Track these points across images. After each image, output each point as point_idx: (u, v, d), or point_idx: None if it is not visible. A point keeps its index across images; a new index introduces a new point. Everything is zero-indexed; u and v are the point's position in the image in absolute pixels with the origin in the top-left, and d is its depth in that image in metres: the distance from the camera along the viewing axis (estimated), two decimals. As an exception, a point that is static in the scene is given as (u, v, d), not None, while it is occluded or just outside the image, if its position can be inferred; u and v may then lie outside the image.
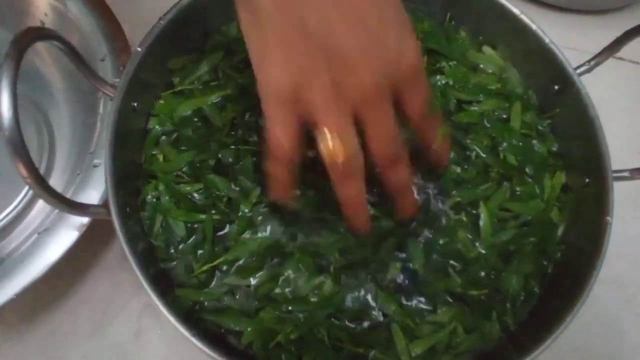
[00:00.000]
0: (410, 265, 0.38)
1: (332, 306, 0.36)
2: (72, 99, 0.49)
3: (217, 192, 0.38)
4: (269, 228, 0.38)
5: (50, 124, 0.49)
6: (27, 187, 0.45)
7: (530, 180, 0.41)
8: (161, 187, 0.39)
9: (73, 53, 0.35)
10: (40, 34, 0.32)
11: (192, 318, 0.36)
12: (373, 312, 0.37)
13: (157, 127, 0.41)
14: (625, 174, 0.37)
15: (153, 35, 0.39)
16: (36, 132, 0.48)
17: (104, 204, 0.35)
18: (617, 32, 0.39)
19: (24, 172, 0.29)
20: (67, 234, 0.38)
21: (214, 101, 0.41)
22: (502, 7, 0.42)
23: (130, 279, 0.44)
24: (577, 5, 0.58)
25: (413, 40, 0.29)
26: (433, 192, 0.40)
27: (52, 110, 0.49)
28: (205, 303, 0.37)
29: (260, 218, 0.38)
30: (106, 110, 0.43)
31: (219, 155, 0.40)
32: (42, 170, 0.46)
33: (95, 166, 0.41)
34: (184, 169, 0.39)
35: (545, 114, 0.43)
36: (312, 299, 0.36)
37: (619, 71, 0.56)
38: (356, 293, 0.37)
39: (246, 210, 0.38)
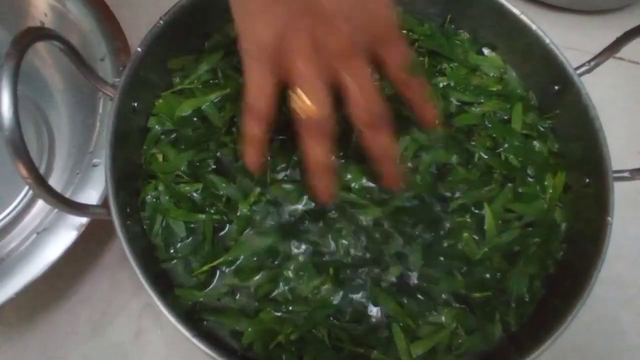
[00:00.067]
0: (413, 267, 0.37)
1: (332, 307, 0.36)
2: (72, 99, 0.49)
3: (216, 192, 0.38)
4: (268, 227, 0.38)
5: (50, 124, 0.49)
6: (26, 187, 0.45)
7: (532, 181, 0.41)
8: (161, 187, 0.39)
9: (73, 53, 0.35)
10: (41, 33, 0.32)
11: (192, 318, 0.36)
12: (373, 313, 0.37)
13: (156, 126, 0.41)
14: (626, 174, 0.37)
15: (153, 35, 0.39)
16: (36, 132, 0.48)
17: (104, 204, 0.35)
18: (617, 32, 0.39)
19: (24, 172, 0.29)
20: (66, 234, 0.38)
21: (214, 100, 0.41)
22: (502, 8, 0.42)
23: (130, 279, 0.44)
24: (577, 5, 0.58)
25: (390, 3, 0.30)
26: (436, 193, 0.39)
27: (51, 111, 0.49)
28: (206, 303, 0.36)
29: (259, 218, 0.38)
30: (105, 110, 0.43)
31: (218, 155, 0.40)
32: (41, 170, 0.46)
33: (94, 166, 0.41)
34: (183, 169, 0.39)
35: (546, 115, 0.43)
36: (312, 300, 0.36)
37: (619, 71, 0.56)
38: (356, 294, 0.37)
39: (245, 210, 0.38)
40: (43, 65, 0.50)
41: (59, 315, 0.43)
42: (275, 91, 0.31)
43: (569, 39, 0.48)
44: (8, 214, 0.45)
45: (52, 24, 0.48)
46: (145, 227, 0.38)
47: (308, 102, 0.29)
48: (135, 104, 0.39)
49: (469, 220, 0.39)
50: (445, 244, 0.38)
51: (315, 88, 0.30)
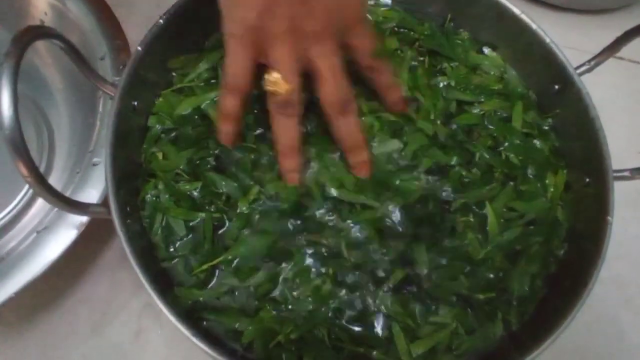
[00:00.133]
0: (419, 270, 0.37)
1: (332, 306, 0.36)
2: (72, 98, 0.49)
3: (216, 190, 0.38)
4: (268, 226, 0.38)
5: (50, 123, 0.49)
6: (26, 186, 0.45)
7: (533, 179, 0.41)
8: (161, 185, 0.39)
9: (73, 52, 0.35)
10: (41, 32, 0.32)
11: (192, 317, 0.35)
12: (373, 313, 0.36)
13: (157, 125, 0.41)
14: (626, 173, 0.37)
15: (153, 34, 0.39)
16: (36, 131, 0.48)
17: (104, 203, 0.35)
18: (617, 32, 0.39)
19: (24, 171, 0.29)
20: (66, 233, 0.38)
21: (214, 99, 0.41)
22: (503, 7, 0.42)
23: (130, 278, 0.44)
24: (577, 5, 0.58)
25: None
26: (438, 194, 0.39)
27: (51, 110, 0.49)
28: (205, 302, 0.36)
29: (258, 217, 0.38)
30: (105, 109, 0.43)
31: (217, 152, 0.40)
32: (41, 169, 0.46)
33: (94, 165, 0.41)
34: (183, 168, 0.39)
35: (546, 114, 0.43)
36: (311, 300, 0.36)
37: (619, 71, 0.56)
38: (356, 294, 0.37)
39: (244, 208, 0.38)
40: (43, 64, 0.50)
41: (59, 315, 0.43)
42: (253, 70, 0.34)
43: (569, 39, 0.48)
44: (8, 213, 0.45)
45: (52, 23, 0.48)
46: (145, 226, 0.38)
47: (280, 79, 0.33)
48: (136, 103, 0.39)
49: (471, 220, 0.39)
50: (449, 245, 0.38)
51: (288, 66, 0.33)
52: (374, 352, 0.35)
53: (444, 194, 0.39)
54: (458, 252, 0.38)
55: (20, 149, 0.28)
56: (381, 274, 0.37)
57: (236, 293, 0.37)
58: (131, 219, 0.36)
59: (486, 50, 0.45)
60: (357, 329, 0.36)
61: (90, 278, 0.44)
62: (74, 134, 0.48)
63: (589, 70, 0.40)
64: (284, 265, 0.37)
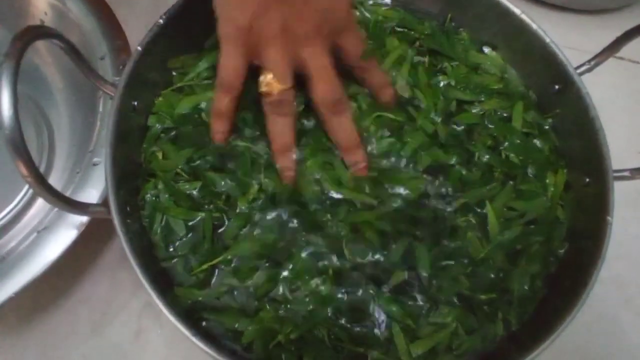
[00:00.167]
0: (421, 272, 0.37)
1: (332, 307, 0.36)
2: (72, 98, 0.49)
3: (215, 189, 0.38)
4: (267, 226, 0.38)
5: (50, 122, 0.49)
6: (26, 186, 0.45)
7: (533, 178, 0.41)
8: (160, 185, 0.39)
9: (73, 52, 0.35)
10: (41, 32, 0.32)
11: (192, 317, 0.35)
12: (373, 313, 0.36)
13: (157, 125, 0.40)
14: (626, 173, 0.37)
15: (153, 34, 0.39)
16: (36, 131, 0.48)
17: (104, 203, 0.35)
18: (617, 32, 0.39)
19: (24, 170, 0.29)
20: (66, 233, 0.38)
21: (213, 97, 0.41)
22: (503, 7, 0.42)
23: (130, 278, 0.44)
24: (577, 5, 0.58)
25: None
26: (439, 194, 0.39)
27: (51, 109, 0.49)
28: (205, 302, 0.36)
29: (257, 216, 0.38)
30: (106, 109, 0.43)
31: (216, 151, 0.40)
32: (41, 169, 0.46)
33: (94, 165, 0.41)
34: (182, 167, 0.39)
35: (546, 114, 0.43)
36: (311, 300, 0.36)
37: (619, 71, 0.56)
38: (356, 294, 0.37)
39: (243, 208, 0.38)
40: (43, 64, 0.50)
41: (59, 315, 0.43)
42: (246, 70, 0.35)
43: (569, 39, 0.48)
44: (8, 213, 0.45)
45: (52, 23, 0.48)
46: (145, 225, 0.38)
47: (274, 79, 0.34)
48: (136, 103, 0.39)
49: (472, 219, 0.39)
50: (450, 245, 0.38)
51: (281, 67, 0.34)
52: (374, 352, 0.35)
53: (444, 193, 0.39)
54: (459, 253, 0.38)
55: (20, 148, 0.28)
56: (382, 274, 0.37)
57: (236, 293, 0.37)
58: (131, 218, 0.36)
59: (486, 50, 0.45)
60: (357, 329, 0.36)
61: (90, 278, 0.44)
62: (74, 134, 0.48)
63: (589, 70, 0.40)
64: (284, 265, 0.37)
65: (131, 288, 0.44)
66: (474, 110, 0.42)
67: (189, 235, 0.38)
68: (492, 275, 0.38)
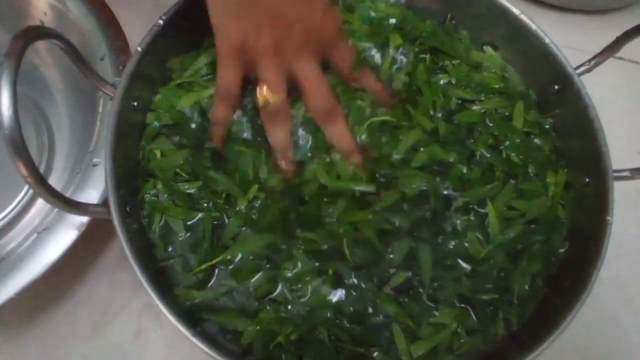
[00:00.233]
0: (422, 273, 0.37)
1: (332, 307, 0.36)
2: (72, 98, 0.49)
3: (216, 188, 0.38)
4: (267, 226, 0.38)
5: (50, 123, 0.49)
6: (26, 186, 0.45)
7: (534, 178, 0.41)
8: (159, 185, 0.38)
9: (73, 52, 0.35)
10: (41, 32, 0.32)
11: (192, 318, 0.35)
12: (374, 314, 0.36)
13: (155, 122, 0.40)
14: (626, 173, 0.37)
15: (153, 34, 0.39)
16: (36, 132, 0.48)
17: (104, 203, 0.35)
18: (617, 32, 0.39)
19: (23, 171, 0.29)
20: (66, 234, 0.38)
21: (212, 95, 0.41)
22: (502, 7, 0.42)
23: (130, 278, 0.44)
24: (577, 5, 0.58)
25: (334, 13, 0.38)
26: (439, 192, 0.39)
27: (51, 110, 0.49)
28: (205, 303, 0.36)
29: (256, 216, 0.38)
30: (105, 109, 0.43)
31: (216, 149, 0.40)
32: (41, 170, 0.46)
33: (94, 165, 0.41)
34: (182, 166, 0.39)
35: (546, 114, 0.43)
36: (311, 300, 0.36)
37: (619, 71, 0.56)
38: (357, 294, 0.37)
39: (243, 207, 0.38)
40: (43, 65, 0.50)
41: (59, 315, 0.43)
42: (242, 82, 0.37)
43: (569, 39, 0.48)
44: (8, 214, 0.45)
45: (52, 23, 0.48)
46: (144, 224, 0.38)
47: (269, 92, 0.36)
48: (135, 104, 0.39)
49: (472, 218, 0.39)
50: (451, 245, 0.38)
51: (274, 80, 0.36)
52: (375, 353, 0.35)
53: (444, 192, 0.39)
54: (459, 253, 0.38)
55: (20, 149, 0.28)
56: (382, 274, 0.37)
57: (235, 294, 0.37)
58: (131, 219, 0.36)
59: (487, 48, 0.45)
60: (357, 329, 0.36)
61: (90, 278, 0.44)
62: (74, 134, 0.48)
63: (588, 70, 0.40)
64: (284, 266, 0.37)
65: (131, 288, 0.44)
66: (474, 108, 0.42)
67: (188, 235, 0.38)
68: (493, 275, 0.38)
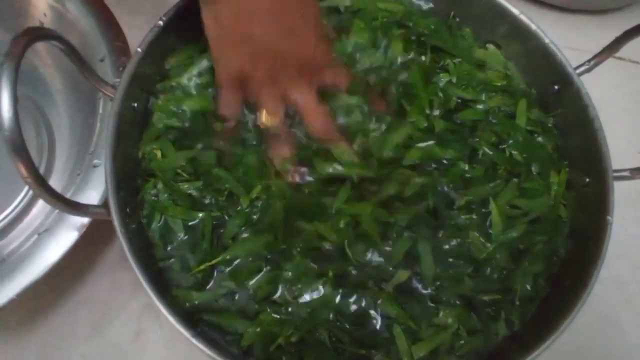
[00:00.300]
0: (424, 273, 0.37)
1: (332, 309, 0.36)
2: (72, 99, 0.49)
3: (219, 187, 0.38)
4: (267, 226, 0.38)
5: (50, 124, 0.49)
6: (27, 188, 0.45)
7: (536, 176, 0.40)
8: (160, 185, 0.38)
9: (73, 53, 0.35)
10: (40, 34, 0.32)
11: (192, 319, 0.35)
12: (374, 315, 0.36)
13: (160, 124, 0.40)
14: (626, 173, 0.37)
15: (153, 35, 0.39)
16: (36, 133, 0.48)
17: (104, 204, 0.35)
18: (617, 32, 0.39)
19: (24, 172, 0.29)
20: (67, 235, 0.38)
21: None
22: (502, 7, 0.42)
23: (130, 279, 0.44)
24: (576, 5, 0.58)
25: (325, 44, 0.40)
26: (441, 192, 0.39)
27: (51, 111, 0.49)
28: (205, 304, 0.36)
29: (256, 216, 0.38)
30: (106, 110, 0.43)
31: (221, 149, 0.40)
32: (41, 171, 0.46)
33: (95, 166, 0.41)
34: (184, 166, 0.39)
35: (548, 114, 0.43)
36: (312, 302, 0.36)
37: (619, 71, 0.56)
38: (357, 296, 0.36)
39: (244, 206, 0.38)
40: (43, 65, 0.50)
41: (59, 316, 0.43)
42: (241, 107, 0.40)
43: (569, 39, 0.48)
44: (8, 215, 0.45)
45: (52, 24, 0.48)
46: (143, 224, 0.38)
47: (267, 116, 0.39)
48: (136, 104, 0.39)
49: (474, 217, 0.39)
50: (453, 245, 0.38)
51: (272, 106, 0.39)
52: (376, 354, 0.35)
53: (445, 190, 0.39)
54: (462, 253, 0.38)
55: (20, 150, 0.28)
56: (383, 275, 0.37)
57: (235, 296, 0.36)
58: (131, 219, 0.36)
59: (489, 47, 0.45)
60: (358, 330, 0.36)
61: (90, 279, 0.44)
62: (74, 135, 0.48)
63: (588, 70, 0.40)
64: (284, 267, 0.37)
65: (131, 289, 0.44)
66: (477, 107, 0.42)
67: (188, 235, 0.38)
68: (495, 276, 0.38)
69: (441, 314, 0.36)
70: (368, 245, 0.37)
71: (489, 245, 0.38)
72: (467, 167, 0.40)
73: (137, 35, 0.39)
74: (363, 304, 0.36)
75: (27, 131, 0.46)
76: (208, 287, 0.37)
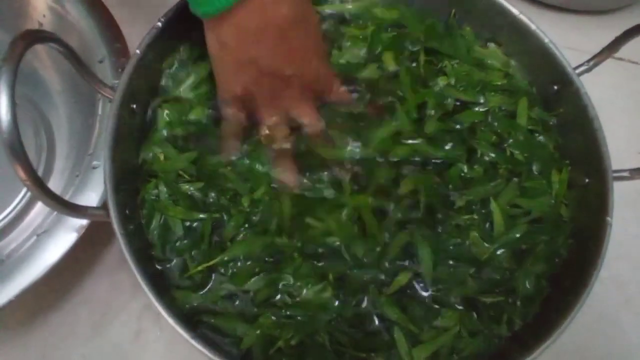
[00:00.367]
0: (424, 274, 0.37)
1: (333, 312, 0.36)
2: (71, 100, 0.49)
3: (224, 186, 0.38)
4: (267, 227, 0.38)
5: (49, 125, 0.49)
6: (25, 189, 0.45)
7: (537, 175, 0.40)
8: (161, 185, 0.38)
9: (72, 55, 0.35)
10: (39, 36, 0.32)
11: (192, 320, 0.35)
12: (375, 317, 0.36)
13: (164, 130, 0.40)
14: (625, 174, 0.37)
15: (151, 37, 0.39)
16: (35, 134, 0.48)
17: (103, 206, 0.35)
18: (616, 32, 0.39)
19: (22, 174, 0.28)
20: (66, 236, 0.38)
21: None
22: (501, 7, 0.42)
23: (129, 279, 0.44)
24: (576, 5, 0.58)
25: (326, 64, 0.42)
26: (442, 192, 0.39)
27: (50, 112, 0.49)
28: (204, 306, 0.36)
29: (256, 217, 0.38)
30: (105, 111, 0.43)
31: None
32: (40, 172, 0.46)
33: (94, 168, 0.41)
34: (187, 168, 0.39)
35: (549, 113, 0.43)
36: (312, 305, 0.36)
37: (619, 71, 0.56)
38: (357, 298, 0.36)
39: (245, 205, 0.38)
40: (42, 67, 0.50)
41: (59, 317, 0.43)
42: (242, 122, 0.41)
43: (568, 39, 0.48)
44: (7, 216, 0.45)
45: (51, 25, 0.48)
46: (143, 224, 0.38)
47: (271, 133, 0.40)
48: (135, 106, 0.39)
49: (476, 217, 0.38)
50: (453, 245, 0.38)
51: (274, 123, 0.40)
52: (376, 357, 0.35)
53: (445, 191, 0.39)
54: (463, 253, 0.38)
55: (18, 152, 0.28)
56: (383, 277, 0.37)
57: (235, 299, 0.36)
58: (130, 221, 0.36)
59: (490, 45, 0.45)
60: (358, 333, 0.36)
61: (90, 280, 0.45)
62: (73, 137, 0.48)
63: (588, 70, 0.40)
64: (283, 269, 0.36)
65: (131, 289, 0.44)
66: (476, 109, 0.42)
67: (187, 236, 0.38)
68: (498, 277, 0.37)
69: (442, 316, 0.36)
70: (368, 245, 0.37)
71: (490, 245, 0.38)
72: (466, 169, 0.40)
73: (136, 36, 0.39)
74: (363, 306, 0.36)
75: (26, 132, 0.46)
76: (207, 288, 0.37)
